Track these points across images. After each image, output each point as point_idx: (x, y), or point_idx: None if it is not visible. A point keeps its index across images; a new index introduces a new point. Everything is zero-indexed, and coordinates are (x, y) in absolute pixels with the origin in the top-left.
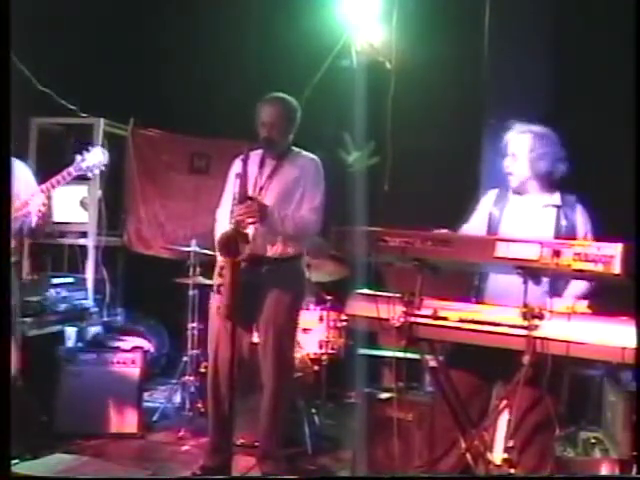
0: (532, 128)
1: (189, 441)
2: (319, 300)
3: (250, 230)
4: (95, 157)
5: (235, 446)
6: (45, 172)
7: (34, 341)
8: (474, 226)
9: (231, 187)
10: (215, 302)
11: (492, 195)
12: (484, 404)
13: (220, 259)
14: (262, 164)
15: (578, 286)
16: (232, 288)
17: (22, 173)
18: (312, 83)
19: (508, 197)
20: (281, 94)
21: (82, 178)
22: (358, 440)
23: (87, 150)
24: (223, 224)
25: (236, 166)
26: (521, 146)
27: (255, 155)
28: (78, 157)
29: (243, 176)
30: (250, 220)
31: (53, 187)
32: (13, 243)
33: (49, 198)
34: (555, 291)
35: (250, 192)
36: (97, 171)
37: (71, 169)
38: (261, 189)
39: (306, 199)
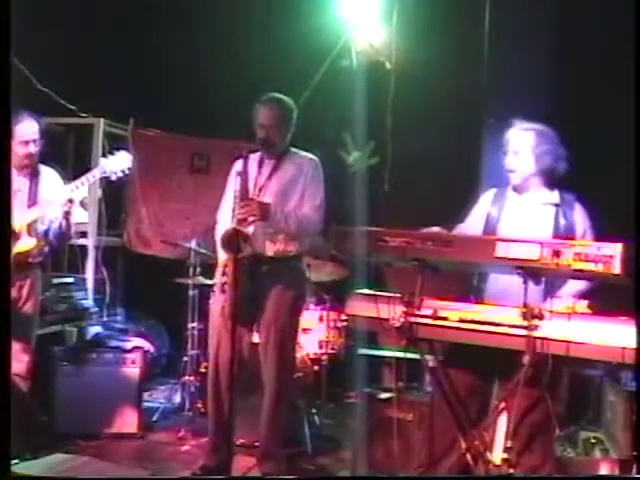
0: (534, 126)
1: (189, 441)
2: (319, 300)
3: (251, 229)
4: (121, 162)
5: (235, 446)
6: None
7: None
8: (470, 225)
9: (232, 188)
10: (219, 302)
11: (490, 195)
12: (484, 404)
13: (223, 257)
14: (261, 164)
15: (574, 284)
16: (235, 286)
17: (50, 178)
18: (312, 83)
19: (506, 196)
20: (278, 95)
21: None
22: (358, 440)
23: (112, 154)
24: (224, 225)
25: (237, 167)
26: (523, 143)
27: (255, 155)
28: (103, 160)
29: (244, 175)
30: (251, 219)
31: (77, 188)
32: (37, 243)
33: (71, 201)
34: (555, 291)
35: (250, 192)
36: (121, 174)
37: (95, 171)
38: (260, 189)
39: (307, 198)
